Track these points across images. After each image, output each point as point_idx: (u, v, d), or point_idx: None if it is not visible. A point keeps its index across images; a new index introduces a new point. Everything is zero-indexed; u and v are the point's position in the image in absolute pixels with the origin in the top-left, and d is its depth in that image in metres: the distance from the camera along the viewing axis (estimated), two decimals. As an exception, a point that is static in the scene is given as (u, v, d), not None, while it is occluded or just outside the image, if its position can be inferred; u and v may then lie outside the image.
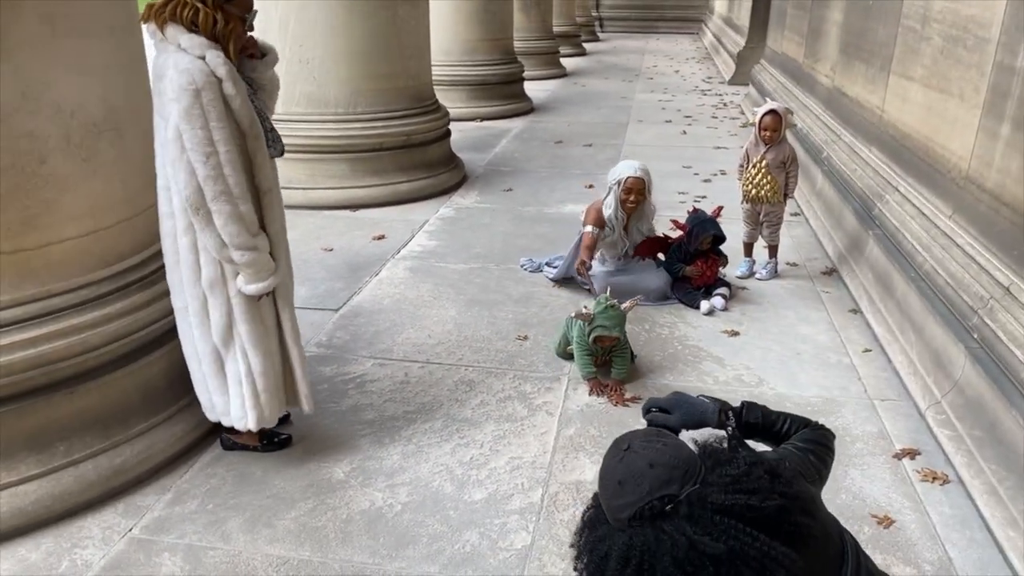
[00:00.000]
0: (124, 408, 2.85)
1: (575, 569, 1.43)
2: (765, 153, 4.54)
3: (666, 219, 4.89)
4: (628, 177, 4.24)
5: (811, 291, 4.65)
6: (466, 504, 2.80)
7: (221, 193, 2.49)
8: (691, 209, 4.76)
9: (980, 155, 3.48)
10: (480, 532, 2.66)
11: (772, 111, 4.52)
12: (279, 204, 2.77)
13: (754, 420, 1.78)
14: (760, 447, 1.68)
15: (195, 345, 2.74)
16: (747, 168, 4.63)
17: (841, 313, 4.38)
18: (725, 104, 11.33)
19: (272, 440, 3.08)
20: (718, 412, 1.79)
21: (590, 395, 3.50)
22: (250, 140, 2.61)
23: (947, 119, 3.93)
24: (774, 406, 3.46)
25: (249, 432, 2.90)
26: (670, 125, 9.71)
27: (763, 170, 4.54)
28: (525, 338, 4.04)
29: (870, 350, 3.94)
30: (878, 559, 2.53)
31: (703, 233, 4.47)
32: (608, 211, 4.32)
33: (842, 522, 2.70)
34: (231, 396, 2.80)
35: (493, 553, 2.57)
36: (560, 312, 4.26)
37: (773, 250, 4.81)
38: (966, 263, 3.36)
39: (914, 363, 3.55)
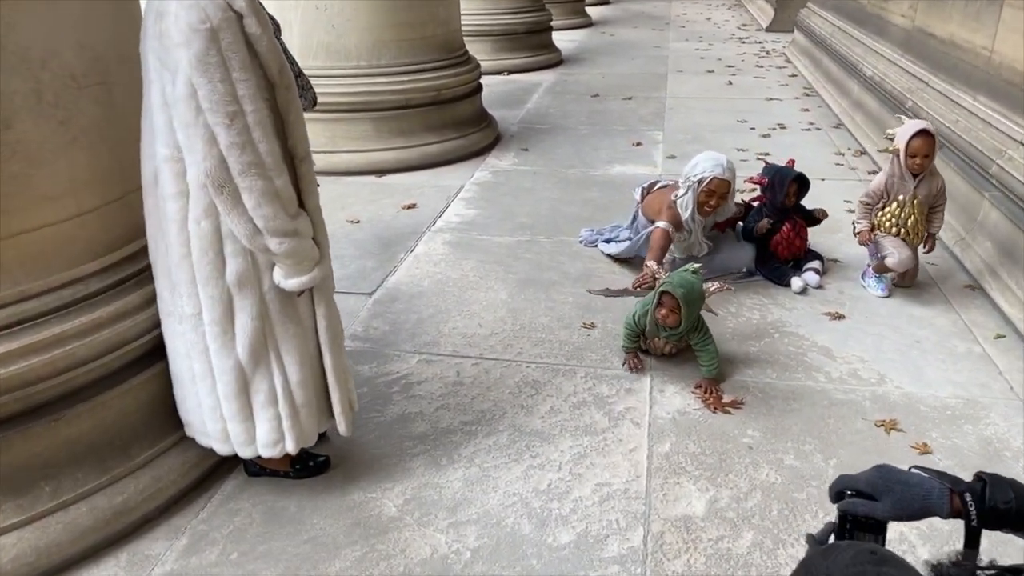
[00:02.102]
0: (124, 434, 2.30)
1: None
2: (916, 188, 3.57)
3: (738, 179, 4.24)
4: (713, 178, 3.54)
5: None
6: (551, 550, 2.24)
7: (251, 165, 1.91)
8: (762, 159, 4.07)
9: None
10: (574, 590, 2.11)
11: (923, 131, 3.46)
12: (314, 174, 2.18)
13: (1004, 506, 1.17)
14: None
15: (208, 362, 2.16)
16: (889, 203, 3.65)
17: (956, 290, 3.76)
18: (768, 52, 10.54)
19: (307, 464, 2.53)
20: (949, 495, 1.18)
21: (623, 366, 3.03)
22: (280, 92, 2.01)
23: (1101, 58, 3.26)
24: (903, 409, 2.94)
25: (282, 455, 2.35)
26: (713, 76, 8.97)
27: (914, 210, 3.59)
28: (592, 326, 3.45)
29: (1003, 336, 3.33)
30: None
31: (786, 179, 3.80)
32: (685, 213, 3.64)
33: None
34: (259, 420, 2.23)
35: (594, 620, 2.02)
36: (629, 294, 3.67)
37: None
38: None
39: (1072, 355, 2.94)
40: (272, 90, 1.99)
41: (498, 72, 8.95)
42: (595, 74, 9.15)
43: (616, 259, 4.07)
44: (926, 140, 3.47)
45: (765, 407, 2.89)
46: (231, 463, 2.52)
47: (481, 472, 2.55)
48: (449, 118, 5.86)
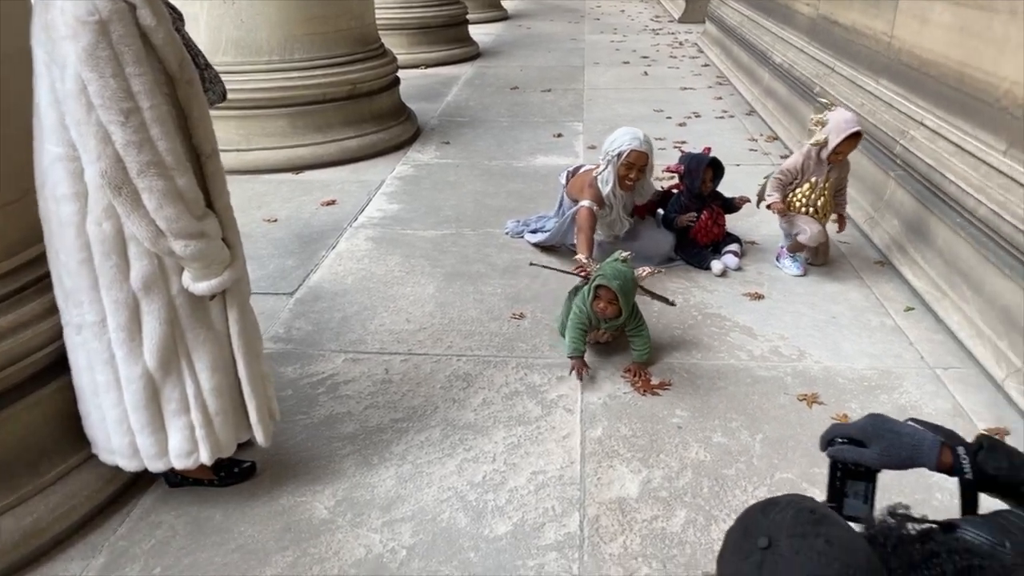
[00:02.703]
0: (31, 450, 2.17)
1: None
2: (830, 172, 3.70)
3: (655, 168, 4.31)
4: (631, 150, 3.56)
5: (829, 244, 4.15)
6: (488, 541, 2.22)
7: (150, 164, 1.80)
8: (676, 146, 4.14)
9: (1048, 79, 2.99)
10: (513, 580, 2.09)
11: (857, 134, 3.57)
12: (223, 171, 2.09)
13: (994, 471, 1.16)
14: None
15: (114, 371, 2.04)
16: (801, 184, 3.76)
17: (867, 266, 3.91)
18: (681, 43, 10.75)
19: (232, 471, 2.44)
20: (939, 447, 1.21)
21: (569, 374, 2.96)
22: (182, 87, 1.92)
23: (991, 40, 3.43)
24: (823, 382, 3.03)
25: (202, 464, 2.25)
26: (629, 67, 9.09)
27: (824, 192, 3.72)
28: (521, 316, 3.44)
29: (913, 308, 3.48)
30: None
31: (700, 166, 3.87)
32: (605, 188, 3.66)
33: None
34: (171, 429, 2.13)
35: (534, 608, 2.01)
36: (555, 282, 3.67)
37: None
38: (1041, 206, 2.89)
39: (975, 323, 3.09)
40: (172, 85, 1.89)
41: (416, 66, 8.86)
42: (513, 67, 9.16)
43: (543, 248, 4.07)
44: (854, 142, 3.60)
45: (692, 387, 2.94)
46: (151, 475, 2.40)
47: (414, 469, 2.51)
48: (367, 112, 5.76)
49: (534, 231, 4.19)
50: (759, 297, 3.62)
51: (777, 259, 3.93)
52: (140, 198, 1.82)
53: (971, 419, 2.71)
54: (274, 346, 3.20)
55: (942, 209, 3.54)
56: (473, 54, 9.72)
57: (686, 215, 3.93)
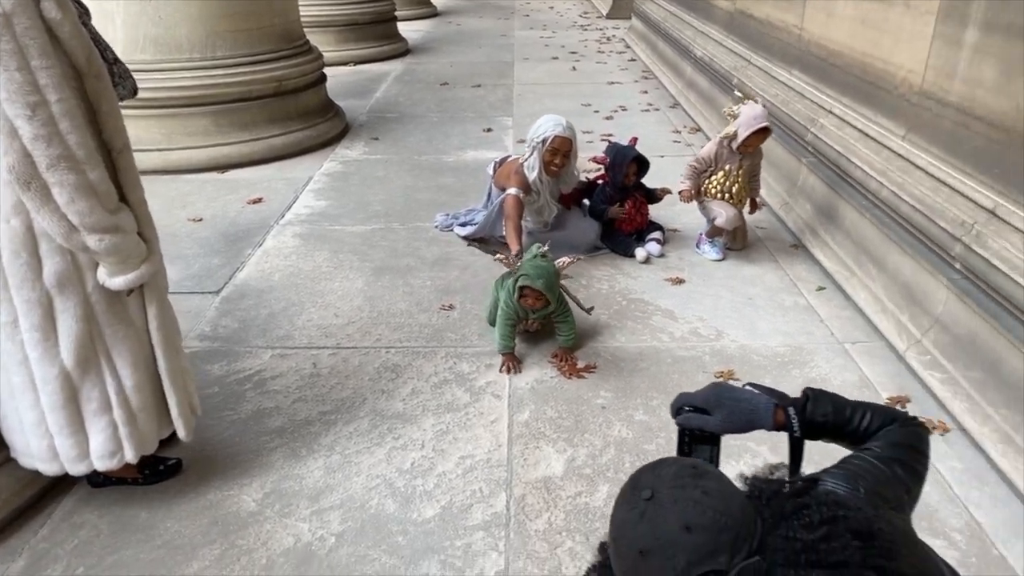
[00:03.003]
0: (-58, 455, 2.12)
1: None
2: (742, 160, 3.85)
3: (582, 159, 4.41)
4: (555, 136, 3.66)
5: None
6: (416, 525, 2.26)
7: (60, 158, 1.78)
8: (604, 138, 4.25)
9: (938, 67, 3.18)
10: (441, 560, 2.14)
11: (764, 129, 3.71)
12: (135, 166, 2.07)
13: (822, 418, 1.30)
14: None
15: (28, 372, 2.01)
16: (715, 172, 3.90)
17: (782, 249, 4.08)
18: (608, 39, 10.92)
19: (157, 469, 2.42)
20: (774, 409, 1.32)
21: (500, 371, 3.01)
22: (89, 81, 1.90)
23: (888, 30, 3.62)
24: (739, 360, 3.17)
25: (126, 463, 2.23)
26: (558, 62, 9.20)
27: (738, 179, 3.87)
28: (451, 307, 3.48)
29: (824, 288, 3.64)
30: (904, 534, 2.21)
31: (625, 160, 3.99)
32: (532, 174, 3.73)
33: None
34: (92, 430, 2.11)
35: (461, 586, 2.06)
36: (485, 273, 3.73)
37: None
38: (935, 187, 3.07)
39: (880, 299, 3.26)
40: (80, 79, 1.87)
41: (344, 63, 8.80)
42: (443, 63, 9.17)
43: (473, 241, 4.11)
44: (762, 136, 3.76)
45: (616, 369, 3.03)
46: (72, 476, 2.36)
47: (343, 459, 2.54)
48: (293, 109, 5.71)
49: (463, 224, 4.23)
50: (680, 282, 3.74)
51: (697, 245, 4.06)
52: (50, 193, 1.81)
53: (876, 389, 2.87)
54: (200, 344, 3.17)
55: (849, 192, 3.71)
56: (402, 51, 9.69)
57: (616, 208, 4.03)
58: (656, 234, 4.10)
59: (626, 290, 3.67)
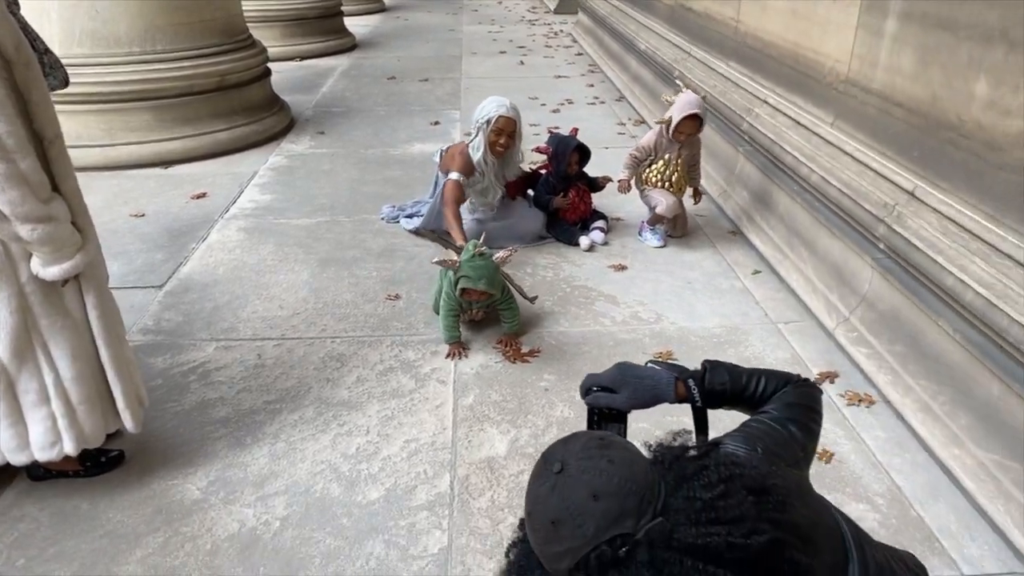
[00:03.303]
0: None
1: None
2: (680, 149, 3.94)
3: (526, 151, 4.47)
4: (499, 116, 3.72)
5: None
6: (361, 507, 2.30)
7: None
8: (549, 131, 4.33)
9: (862, 55, 3.31)
10: (385, 540, 2.18)
11: (693, 116, 3.79)
12: (67, 156, 2.07)
13: (720, 386, 1.38)
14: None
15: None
16: (656, 161, 4.00)
17: (721, 235, 4.19)
18: (556, 33, 11.01)
19: (99, 460, 2.41)
20: (675, 383, 1.39)
21: (447, 358, 3.06)
22: (19, 70, 1.89)
23: (817, 22, 3.75)
24: (677, 341, 3.27)
25: (67, 455, 2.23)
26: (505, 56, 9.26)
27: (677, 167, 3.97)
28: (396, 297, 3.52)
29: (760, 271, 3.77)
30: (830, 499, 2.31)
31: (567, 149, 4.06)
32: (476, 155, 3.79)
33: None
34: (30, 421, 2.10)
35: (405, 564, 2.10)
36: (431, 264, 3.76)
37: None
38: (860, 171, 3.20)
39: (811, 280, 3.39)
40: (9, 68, 1.86)
41: (290, 58, 8.73)
42: (391, 57, 9.16)
43: (419, 233, 4.14)
44: (693, 122, 3.84)
45: (559, 353, 3.10)
46: (12, 470, 2.34)
47: (288, 446, 2.56)
48: (238, 104, 5.66)
49: (410, 216, 4.26)
50: (623, 268, 3.82)
51: (639, 233, 4.15)
52: (-21, 183, 1.80)
53: (807, 366, 2.99)
54: (143, 338, 3.15)
55: (782, 179, 3.84)
56: (349, 45, 9.64)
57: (561, 198, 4.10)
58: (600, 223, 4.18)
59: (570, 277, 3.74)
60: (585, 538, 0.95)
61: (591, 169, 4.26)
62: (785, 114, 3.99)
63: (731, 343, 3.15)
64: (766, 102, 4.24)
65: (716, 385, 1.38)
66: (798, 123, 3.83)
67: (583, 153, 4.14)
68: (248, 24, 6.41)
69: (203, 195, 4.70)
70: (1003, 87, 2.43)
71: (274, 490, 2.36)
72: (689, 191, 4.14)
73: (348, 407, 2.76)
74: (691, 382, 1.38)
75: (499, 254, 3.14)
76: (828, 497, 2.26)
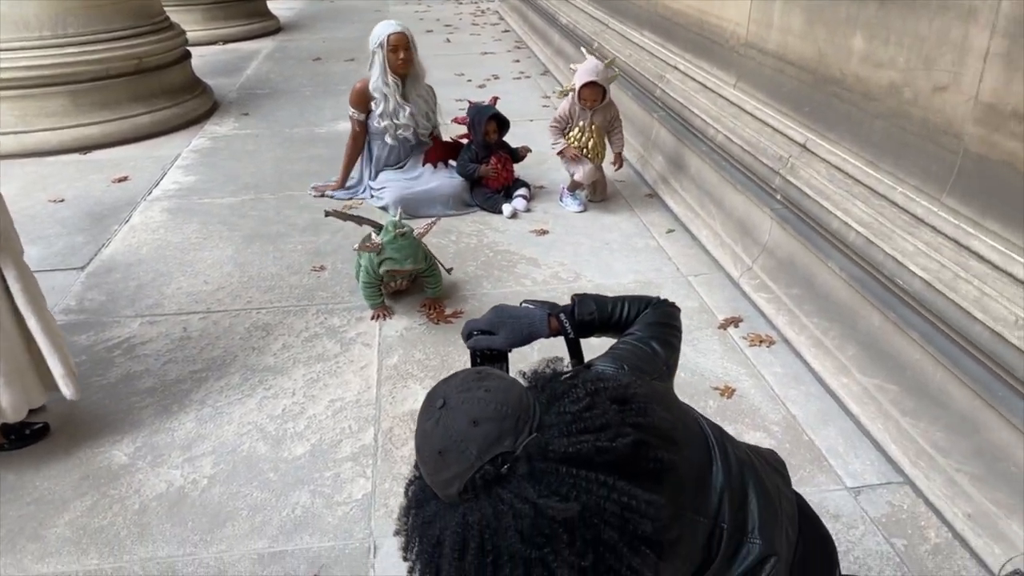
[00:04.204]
0: None
1: (404, 559, 1.09)
2: (593, 116, 4.06)
3: (449, 125, 4.57)
4: (390, 35, 4.01)
5: (607, 182, 4.56)
6: (287, 462, 2.38)
7: None
8: (467, 103, 4.44)
9: (758, 19, 3.48)
10: (311, 490, 2.27)
11: (591, 83, 3.90)
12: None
13: (589, 316, 1.48)
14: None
15: None
16: (572, 128, 4.11)
17: (639, 199, 4.36)
18: (483, 11, 11.05)
19: (23, 434, 2.44)
20: (548, 319, 1.48)
21: (372, 319, 3.16)
22: None
23: (719, -10, 3.92)
24: (595, 298, 3.41)
25: (-12, 430, 2.26)
26: (432, 35, 9.27)
27: (591, 133, 4.07)
28: (322, 268, 3.58)
29: (673, 230, 3.94)
30: (729, 430, 2.47)
31: (483, 117, 4.17)
32: (376, 80, 4.05)
33: (687, 400, 2.65)
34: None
35: (330, 510, 2.20)
36: (356, 236, 3.80)
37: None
38: (759, 128, 3.38)
39: (719, 235, 3.57)
40: None
41: (213, 42, 8.60)
42: (316, 39, 9.09)
43: (332, 214, 4.17)
44: (593, 89, 3.96)
45: (481, 312, 3.18)
46: (-68, 448, 2.36)
47: (214, 411, 2.62)
48: (158, 87, 5.59)
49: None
50: (544, 233, 3.95)
51: (560, 199, 4.29)
52: None
53: (713, 313, 3.17)
54: (65, 318, 3.15)
55: (692, 141, 4.01)
56: (273, 28, 9.53)
57: (486, 167, 4.20)
58: (522, 191, 4.30)
59: (493, 243, 3.86)
60: (469, 461, 1.02)
61: (514, 140, 4.37)
62: (694, 79, 4.16)
63: (644, 296, 3.30)
64: (676, 68, 4.41)
65: (585, 316, 1.48)
66: (705, 87, 4.00)
67: (501, 122, 4.24)
68: (168, 8, 6.33)
69: (125, 179, 4.65)
70: (876, 40, 2.62)
71: (201, 451, 2.42)
72: (610, 156, 4.28)
73: (274, 372, 2.83)
74: (563, 316, 1.48)
75: (419, 228, 3.21)
76: (728, 428, 2.43)
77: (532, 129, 5.28)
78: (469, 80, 7.00)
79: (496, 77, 7.13)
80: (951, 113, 2.29)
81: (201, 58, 7.77)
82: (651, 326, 1.44)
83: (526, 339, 1.47)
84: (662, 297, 1.54)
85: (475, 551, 0.99)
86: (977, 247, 2.16)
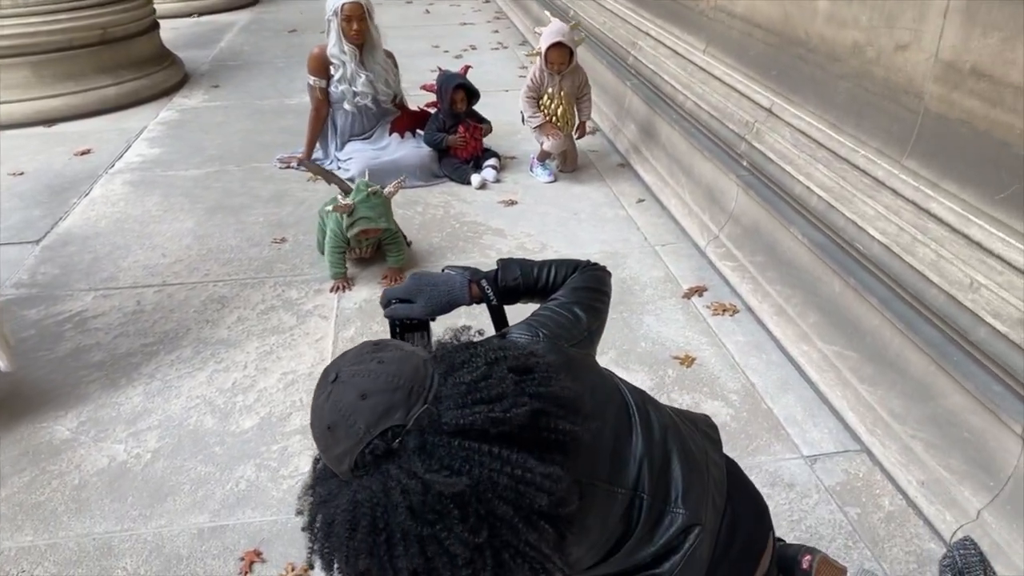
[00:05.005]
0: None
1: (308, 543, 1.03)
2: (561, 81, 3.96)
3: (417, 93, 4.48)
4: (344, 4, 3.93)
5: (579, 152, 4.48)
6: (234, 435, 2.33)
7: None
8: (437, 69, 4.34)
9: (727, -19, 3.39)
10: (256, 463, 2.22)
11: (558, 44, 3.82)
12: None
13: (513, 282, 1.41)
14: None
15: None
16: (541, 97, 4.00)
17: (610, 169, 4.28)
18: (465, -18, 10.87)
19: (-39, 410, 2.38)
20: (468, 285, 1.41)
21: (331, 292, 3.10)
22: None
23: (689, -48, 3.82)
24: (560, 268, 3.35)
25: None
26: (411, 6, 9.12)
27: (561, 100, 3.98)
28: (283, 240, 3.51)
29: (643, 200, 3.87)
30: (686, 399, 2.45)
31: (450, 85, 4.08)
32: (333, 48, 4.01)
33: (646, 370, 2.61)
34: None
35: (275, 484, 2.15)
36: (319, 206, 3.75)
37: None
38: (727, 93, 3.31)
39: (688, 204, 3.51)
40: None
41: (188, 14, 8.45)
42: (292, 10, 8.92)
43: (303, 167, 4.12)
44: (560, 51, 3.86)
45: (443, 284, 3.14)
46: None
47: (163, 384, 2.56)
48: (125, 58, 5.47)
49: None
50: (513, 203, 3.88)
51: (531, 169, 4.21)
52: None
53: (678, 282, 3.11)
54: (16, 292, 3.08)
55: (663, 109, 3.93)
56: (250, 0, 9.36)
57: (453, 136, 4.12)
58: (492, 161, 4.22)
59: (460, 214, 3.78)
60: (358, 436, 0.96)
61: (489, 110, 4.29)
62: (665, 44, 4.07)
63: (610, 265, 3.21)
64: (648, 34, 4.32)
65: (509, 281, 1.42)
66: (676, 52, 3.92)
67: (469, 91, 4.15)
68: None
69: (88, 151, 4.56)
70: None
71: (147, 425, 2.37)
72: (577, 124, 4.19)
73: (227, 345, 2.77)
74: (484, 282, 1.40)
75: (388, 188, 3.16)
76: (685, 397, 2.40)
77: (507, 99, 5.17)
78: (446, 51, 6.89)
79: (474, 47, 7.01)
80: (912, 72, 2.22)
81: (175, 31, 7.65)
82: (576, 291, 1.37)
83: (446, 307, 1.41)
84: (589, 260, 1.48)
85: (366, 530, 0.94)
86: (935, 209, 2.10)
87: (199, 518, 2.04)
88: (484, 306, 1.45)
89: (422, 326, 1.41)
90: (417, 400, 0.99)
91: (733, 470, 1.42)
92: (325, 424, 1.02)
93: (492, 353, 1.06)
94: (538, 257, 3.23)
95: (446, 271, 1.45)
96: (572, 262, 1.44)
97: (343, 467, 1.02)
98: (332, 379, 1.02)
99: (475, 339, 1.20)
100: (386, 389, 0.98)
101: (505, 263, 1.44)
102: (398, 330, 1.41)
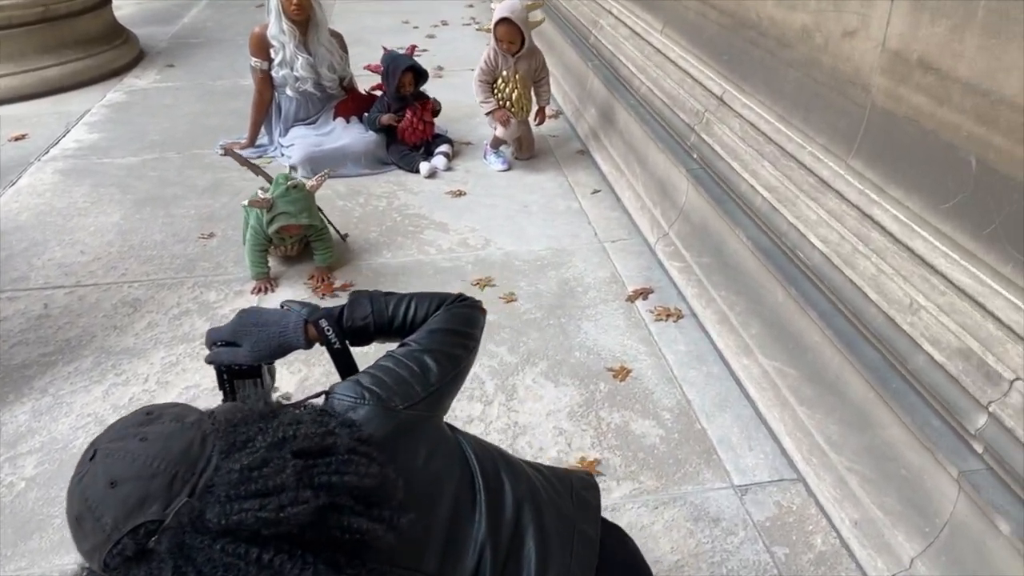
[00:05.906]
0: None
1: None
2: (516, 64, 3.71)
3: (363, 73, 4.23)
4: None
5: (538, 138, 4.25)
6: (121, 460, 2.14)
7: None
8: (383, 49, 4.07)
9: (683, -44, 3.15)
10: (138, 493, 2.03)
11: (504, 20, 3.56)
12: None
13: (362, 321, 1.21)
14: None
15: None
16: (495, 81, 3.77)
17: (569, 156, 4.06)
18: (447, -46, 10.52)
19: None
20: (304, 325, 1.20)
21: (252, 293, 2.90)
22: None
23: (649, -76, 3.56)
24: (500, 266, 3.13)
25: None
26: (386, -21, 8.81)
27: (515, 84, 3.72)
28: (211, 236, 3.30)
29: (599, 191, 3.65)
30: (615, 417, 2.26)
31: (398, 68, 3.84)
32: (272, 27, 3.75)
33: (576, 384, 2.41)
34: None
35: (156, 517, 1.96)
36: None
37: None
38: (680, 78, 3.08)
39: (641, 197, 3.30)
40: None
41: (153, -12, 8.14)
42: (264, -16, 8.62)
43: (228, 154, 3.89)
44: (508, 28, 3.60)
45: (374, 285, 2.94)
46: None
47: (54, 400, 2.37)
48: (69, 37, 5.21)
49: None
50: (461, 194, 3.67)
51: (484, 156, 3.99)
52: None
53: (624, 283, 2.91)
54: (-84, 294, 2.89)
55: (621, 92, 3.70)
56: (222, -27, 9.04)
57: (388, 115, 3.88)
58: (444, 147, 3.99)
59: (404, 206, 3.57)
60: (105, 532, 0.80)
61: (454, 92, 4.03)
62: (625, 24, 3.83)
63: (554, 265, 3.05)
64: (610, 12, 4.07)
65: (357, 321, 1.21)
66: (635, 32, 3.68)
67: (418, 73, 3.92)
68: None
69: (22, 136, 4.33)
70: (788, -21, 2.31)
71: (27, 449, 2.18)
72: (535, 109, 3.96)
73: (131, 355, 2.58)
74: (324, 322, 1.20)
75: (311, 181, 2.96)
76: (615, 416, 2.20)
77: (472, 78, 4.94)
78: (416, 27, 6.61)
79: (445, 23, 6.73)
80: (859, 61, 2.00)
81: (137, 5, 7.39)
82: (433, 333, 1.17)
83: (276, 351, 1.21)
84: (460, 294, 1.29)
85: None
86: (879, 216, 1.89)
87: (65, 559, 1.86)
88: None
89: (253, 372, 1.22)
90: (181, 489, 0.82)
91: (611, 540, 1.24)
92: (73, 514, 0.85)
93: (281, 430, 0.88)
94: (482, 255, 3.06)
95: (289, 305, 1.26)
96: (439, 296, 1.24)
97: (93, 564, 0.85)
98: (90, 457, 0.86)
99: (286, 402, 1.02)
100: (141, 476, 0.82)
101: (355, 298, 1.24)
102: (225, 378, 1.22)
